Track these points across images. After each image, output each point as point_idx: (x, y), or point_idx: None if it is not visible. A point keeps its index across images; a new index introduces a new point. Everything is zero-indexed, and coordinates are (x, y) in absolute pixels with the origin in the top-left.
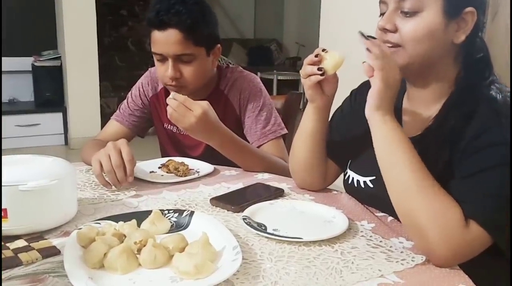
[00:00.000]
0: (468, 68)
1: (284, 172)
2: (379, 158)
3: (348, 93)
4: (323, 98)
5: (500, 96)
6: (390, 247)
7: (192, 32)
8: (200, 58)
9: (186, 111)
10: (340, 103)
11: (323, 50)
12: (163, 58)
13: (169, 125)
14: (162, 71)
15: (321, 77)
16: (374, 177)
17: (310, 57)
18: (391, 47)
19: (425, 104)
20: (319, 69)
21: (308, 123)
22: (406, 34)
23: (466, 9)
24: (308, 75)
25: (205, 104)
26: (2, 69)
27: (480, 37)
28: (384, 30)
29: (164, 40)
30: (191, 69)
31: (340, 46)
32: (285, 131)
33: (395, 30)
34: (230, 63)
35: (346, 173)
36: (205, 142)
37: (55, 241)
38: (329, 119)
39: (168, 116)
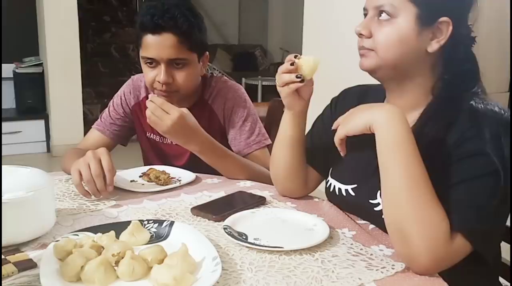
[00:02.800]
0: (451, 79)
1: (267, 180)
2: (378, 158)
3: (329, 101)
4: (301, 103)
5: (481, 106)
6: (371, 255)
7: (186, 37)
8: (192, 64)
9: (163, 114)
10: (321, 111)
11: (296, 56)
12: (155, 63)
13: (152, 134)
14: (152, 76)
15: (301, 84)
16: (355, 185)
17: (286, 66)
18: (365, 50)
19: (405, 112)
20: (297, 76)
21: (287, 130)
22: (378, 39)
23: (441, 18)
24: (286, 83)
25: (182, 110)
26: None
27: (468, 49)
28: (360, 35)
29: (158, 44)
30: (184, 74)
31: (323, 51)
32: (269, 142)
33: (369, 36)
34: (215, 69)
35: (328, 180)
36: (184, 147)
37: (32, 254)
38: (311, 126)
39: (147, 120)
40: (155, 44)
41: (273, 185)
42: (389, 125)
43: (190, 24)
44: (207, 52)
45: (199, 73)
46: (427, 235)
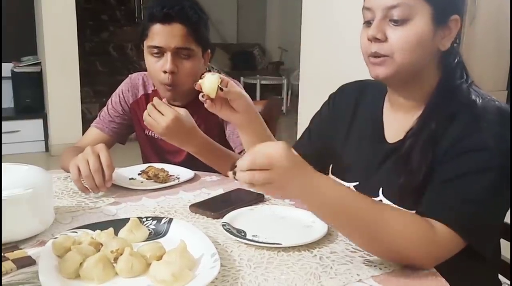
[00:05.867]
0: (448, 73)
1: None
2: (330, 221)
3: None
4: (237, 116)
5: (481, 100)
6: None
7: (194, 28)
8: (197, 57)
9: (158, 116)
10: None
11: (202, 76)
12: (161, 53)
13: (150, 131)
14: (158, 67)
15: (208, 104)
16: (357, 183)
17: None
18: (378, 57)
19: (408, 110)
20: (202, 96)
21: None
22: (397, 43)
23: (452, 16)
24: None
25: (180, 110)
26: None
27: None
28: (375, 39)
29: (167, 33)
30: (189, 65)
31: (322, 49)
32: None
33: (385, 40)
34: (213, 68)
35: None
36: (181, 148)
37: (30, 251)
38: (309, 123)
39: (144, 122)
40: (164, 33)
41: None
42: (312, 194)
43: (198, 17)
44: (209, 50)
45: (201, 69)
46: (416, 243)
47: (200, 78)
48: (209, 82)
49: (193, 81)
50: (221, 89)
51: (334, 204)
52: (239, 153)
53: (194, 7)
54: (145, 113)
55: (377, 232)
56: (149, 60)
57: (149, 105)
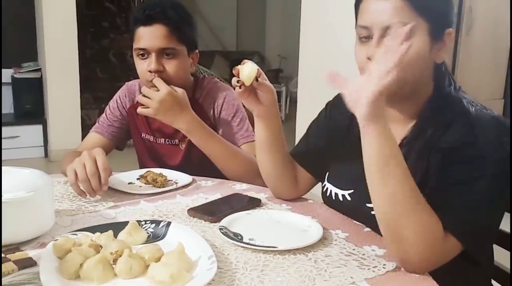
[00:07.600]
0: (439, 82)
1: (256, 167)
2: (371, 170)
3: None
4: (260, 108)
5: (474, 109)
6: (363, 254)
7: (176, 28)
8: (182, 56)
9: (152, 92)
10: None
11: (242, 63)
12: (146, 54)
13: (147, 135)
14: (144, 67)
15: (241, 89)
16: (352, 191)
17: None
18: None
19: (401, 122)
20: (237, 81)
21: (257, 133)
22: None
23: (446, 30)
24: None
25: (179, 90)
26: None
27: None
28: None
29: (150, 34)
30: (173, 64)
31: (320, 57)
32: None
33: None
34: (212, 75)
35: (324, 185)
36: (172, 125)
37: (31, 253)
38: (306, 129)
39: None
40: (146, 35)
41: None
42: (382, 137)
43: (180, 17)
44: (197, 51)
45: (188, 67)
46: (426, 240)
47: (239, 64)
48: (249, 71)
49: (182, 80)
50: (257, 79)
51: (397, 156)
52: None
53: (176, 7)
54: (140, 95)
55: (402, 212)
56: (137, 63)
57: (143, 87)
